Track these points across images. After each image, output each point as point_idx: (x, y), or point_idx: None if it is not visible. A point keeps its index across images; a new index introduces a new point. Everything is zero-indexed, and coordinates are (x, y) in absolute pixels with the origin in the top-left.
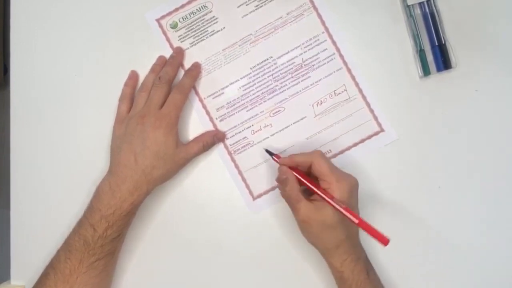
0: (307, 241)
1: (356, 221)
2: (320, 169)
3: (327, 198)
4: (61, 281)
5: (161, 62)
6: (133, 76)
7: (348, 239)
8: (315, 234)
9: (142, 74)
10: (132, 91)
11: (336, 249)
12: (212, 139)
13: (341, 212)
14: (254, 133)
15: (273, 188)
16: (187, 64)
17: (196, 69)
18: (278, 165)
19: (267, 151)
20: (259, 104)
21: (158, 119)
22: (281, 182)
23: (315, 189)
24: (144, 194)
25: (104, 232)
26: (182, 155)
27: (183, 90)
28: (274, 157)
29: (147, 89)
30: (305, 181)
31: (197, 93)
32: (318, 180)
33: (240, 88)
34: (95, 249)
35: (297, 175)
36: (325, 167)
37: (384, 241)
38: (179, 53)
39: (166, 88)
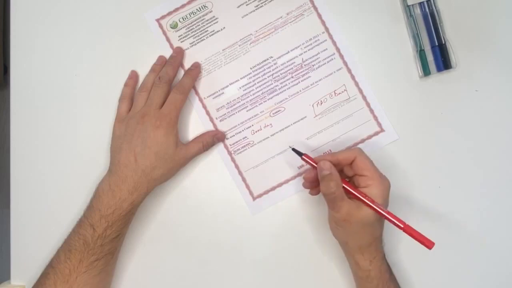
0: (335, 237)
1: (402, 225)
2: (364, 165)
3: (368, 202)
4: (61, 280)
5: (161, 62)
6: (133, 76)
7: (379, 237)
8: (352, 232)
9: (142, 74)
10: (132, 91)
11: (368, 247)
12: (212, 139)
13: (386, 217)
14: (254, 133)
15: (273, 188)
16: (187, 64)
17: (196, 69)
18: (277, 165)
19: (294, 150)
20: (259, 104)
21: (158, 119)
22: (325, 178)
23: (352, 190)
24: (144, 194)
25: (104, 232)
26: (182, 155)
27: (183, 90)
28: (304, 157)
29: (147, 89)
30: (344, 184)
31: (197, 93)
32: (357, 177)
33: (240, 88)
34: (94, 248)
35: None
36: (369, 163)
37: (430, 244)
38: (179, 53)
39: (166, 88)
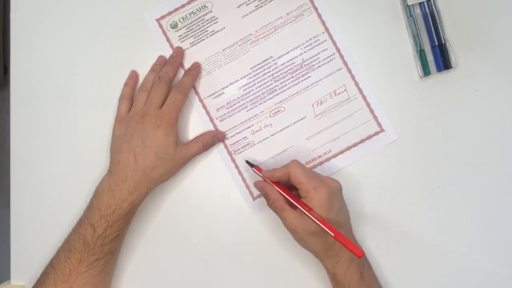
0: (302, 246)
1: (332, 234)
2: (296, 178)
3: (304, 211)
4: (61, 280)
5: (161, 62)
6: (133, 76)
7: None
8: (303, 240)
9: (142, 74)
10: (132, 90)
11: (325, 252)
12: (212, 139)
13: (318, 225)
14: (254, 133)
15: None
16: (187, 64)
17: (196, 69)
18: (277, 165)
19: (247, 162)
20: (259, 104)
21: (158, 119)
22: (263, 196)
23: (292, 201)
24: (144, 194)
25: (104, 232)
26: (182, 155)
27: (183, 90)
28: (254, 169)
29: (147, 89)
30: (284, 194)
31: (197, 93)
32: (299, 189)
33: (240, 88)
34: (95, 248)
35: (277, 188)
36: (301, 176)
37: (359, 253)
38: (179, 53)
39: (166, 87)
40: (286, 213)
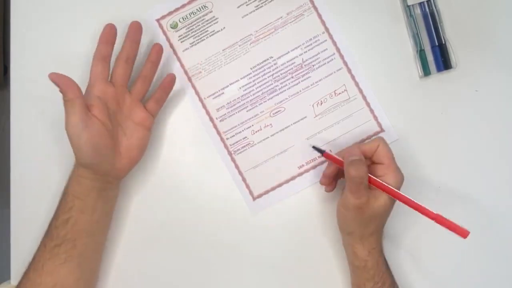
0: (340, 225)
1: (434, 214)
2: (385, 153)
3: (395, 191)
4: (33, 268)
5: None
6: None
7: (381, 229)
8: (360, 220)
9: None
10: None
11: (369, 236)
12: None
13: (419, 207)
14: (254, 133)
15: (273, 188)
16: (187, 64)
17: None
18: (277, 165)
19: (314, 147)
20: (259, 104)
21: None
22: (355, 163)
23: (380, 181)
24: (72, 174)
25: (56, 212)
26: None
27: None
28: (325, 154)
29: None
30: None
31: (197, 93)
32: (374, 166)
33: (240, 88)
34: (51, 231)
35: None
36: (390, 152)
37: (464, 232)
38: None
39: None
40: (367, 190)
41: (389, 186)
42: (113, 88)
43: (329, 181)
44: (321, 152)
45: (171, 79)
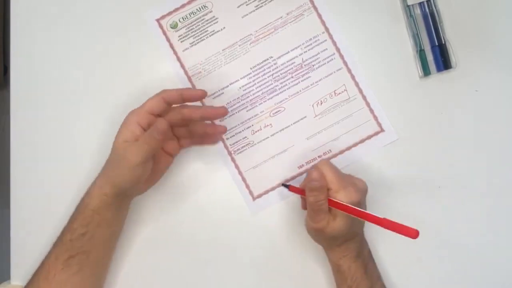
0: (311, 237)
1: (381, 221)
2: (329, 178)
3: (341, 203)
4: (43, 277)
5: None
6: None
7: (353, 239)
8: (324, 239)
9: (144, 74)
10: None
11: (338, 247)
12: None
13: (363, 216)
14: (254, 133)
15: (273, 188)
16: (187, 63)
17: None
18: (277, 165)
19: (284, 185)
20: (259, 104)
21: None
22: (315, 189)
23: (336, 201)
24: (99, 192)
25: (71, 225)
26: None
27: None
28: (291, 187)
29: None
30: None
31: None
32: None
33: (240, 88)
34: (66, 244)
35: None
36: (331, 175)
37: (414, 233)
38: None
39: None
40: (326, 215)
41: (342, 203)
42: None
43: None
44: (287, 186)
45: (215, 139)
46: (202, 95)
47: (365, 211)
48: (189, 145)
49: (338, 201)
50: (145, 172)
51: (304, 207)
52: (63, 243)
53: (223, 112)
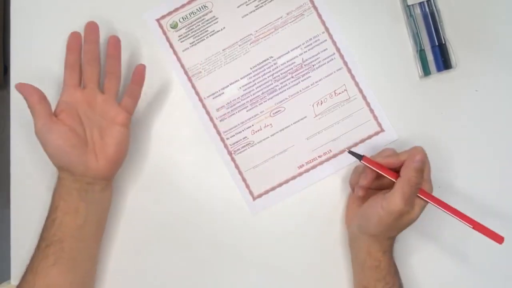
0: (359, 223)
1: (471, 225)
2: (424, 164)
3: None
4: (30, 269)
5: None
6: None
7: (397, 235)
8: (392, 226)
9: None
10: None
11: (387, 239)
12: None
13: (458, 215)
14: (254, 133)
15: (273, 188)
16: (188, 63)
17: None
18: (277, 165)
19: (350, 152)
20: (259, 104)
21: None
22: (418, 170)
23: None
24: (60, 178)
25: (47, 212)
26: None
27: None
28: (365, 158)
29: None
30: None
31: (197, 93)
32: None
33: (240, 88)
34: (43, 232)
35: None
36: (428, 164)
37: (500, 239)
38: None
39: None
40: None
41: (434, 197)
42: (82, 91)
43: (366, 192)
44: (359, 157)
45: (140, 70)
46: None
47: (455, 208)
48: (130, 100)
49: (430, 194)
50: (58, 141)
51: (364, 193)
52: (42, 231)
53: (92, 23)
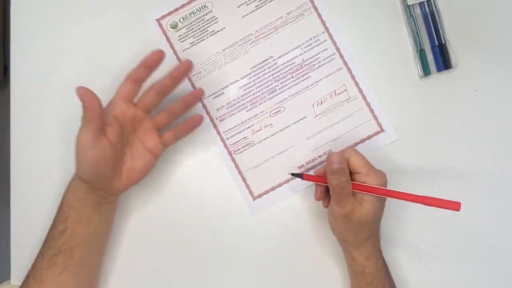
0: (334, 233)
1: (425, 203)
2: (359, 162)
3: (373, 188)
4: (33, 276)
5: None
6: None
7: (376, 232)
8: (350, 228)
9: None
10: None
11: (364, 242)
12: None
13: (403, 197)
14: (254, 133)
15: (273, 188)
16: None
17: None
18: (277, 165)
19: (293, 174)
20: (259, 104)
21: None
22: (336, 172)
23: (363, 184)
24: (69, 190)
25: (53, 221)
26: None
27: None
28: (305, 178)
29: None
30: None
31: None
32: (352, 175)
33: (240, 88)
34: (49, 240)
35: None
36: (363, 160)
37: (456, 206)
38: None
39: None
40: (350, 198)
41: (372, 186)
42: (134, 110)
43: (323, 199)
44: (300, 176)
45: (198, 120)
46: (188, 66)
47: (400, 191)
48: (172, 139)
49: (368, 185)
50: (97, 158)
51: (319, 197)
52: (47, 239)
53: (188, 65)
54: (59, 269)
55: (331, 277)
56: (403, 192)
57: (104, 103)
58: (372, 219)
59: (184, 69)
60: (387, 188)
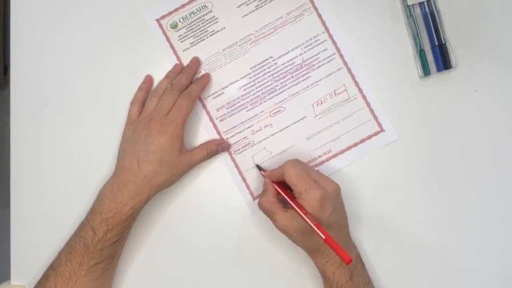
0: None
1: (323, 237)
2: (289, 179)
3: (299, 211)
4: (61, 283)
5: (177, 70)
6: (148, 80)
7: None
8: (294, 239)
9: (144, 74)
10: (145, 94)
11: (317, 252)
12: (217, 147)
13: (311, 227)
14: (254, 133)
15: None
16: (187, 62)
17: (205, 78)
18: (277, 165)
19: (257, 166)
20: (259, 104)
21: (163, 125)
22: (262, 193)
23: (289, 201)
24: (145, 199)
25: (104, 236)
26: (186, 162)
27: (190, 96)
28: (262, 172)
29: (158, 94)
30: (282, 193)
31: None
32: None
33: (240, 88)
34: (94, 252)
35: (277, 187)
36: (293, 177)
37: (347, 259)
38: (195, 63)
39: (176, 95)
40: (276, 214)
41: (294, 205)
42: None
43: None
44: (260, 169)
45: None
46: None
47: (314, 222)
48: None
49: (293, 204)
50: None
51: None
52: (90, 251)
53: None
54: (97, 275)
55: None
56: (315, 223)
57: (104, 103)
58: (310, 231)
59: (197, 67)
60: (305, 217)
